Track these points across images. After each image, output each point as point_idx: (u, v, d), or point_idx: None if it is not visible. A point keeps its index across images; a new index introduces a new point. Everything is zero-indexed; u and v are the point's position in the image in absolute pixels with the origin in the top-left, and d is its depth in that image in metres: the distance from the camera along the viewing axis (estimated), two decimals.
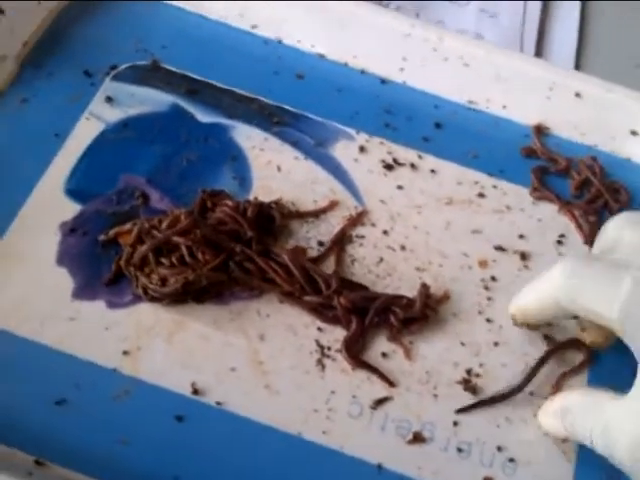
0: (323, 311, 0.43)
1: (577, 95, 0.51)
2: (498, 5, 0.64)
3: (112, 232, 0.44)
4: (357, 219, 0.47)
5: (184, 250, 0.42)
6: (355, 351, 0.42)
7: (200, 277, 0.42)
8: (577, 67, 0.60)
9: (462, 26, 0.63)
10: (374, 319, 0.43)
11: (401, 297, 0.43)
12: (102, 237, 0.44)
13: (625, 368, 0.39)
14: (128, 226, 0.44)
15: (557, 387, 0.42)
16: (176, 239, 0.42)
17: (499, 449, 0.41)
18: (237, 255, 0.43)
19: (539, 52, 0.62)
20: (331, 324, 0.43)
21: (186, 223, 0.43)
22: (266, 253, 0.44)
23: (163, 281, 0.42)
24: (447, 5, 0.64)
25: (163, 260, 0.42)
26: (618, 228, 0.40)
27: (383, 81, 0.53)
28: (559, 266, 0.38)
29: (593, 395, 0.38)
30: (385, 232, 0.47)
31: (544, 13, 0.64)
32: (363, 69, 0.53)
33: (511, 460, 0.41)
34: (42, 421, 0.39)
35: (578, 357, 0.44)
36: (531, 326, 0.43)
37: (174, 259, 0.42)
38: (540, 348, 0.44)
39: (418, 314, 0.43)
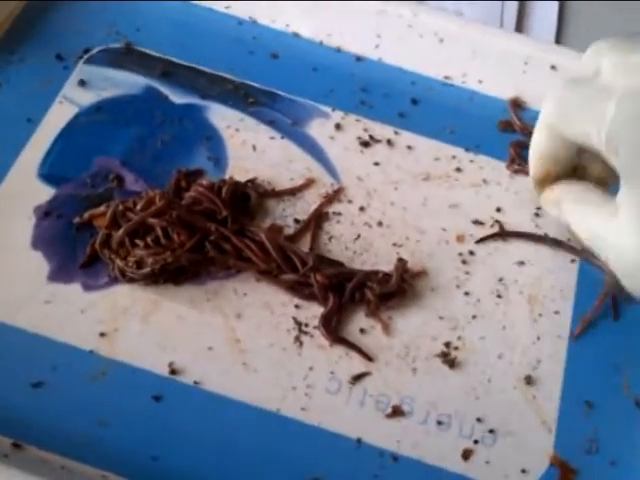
0: (300, 289, 0.43)
1: (552, 67, 0.51)
2: None
3: (86, 215, 0.44)
4: (333, 196, 0.47)
5: (159, 231, 0.42)
6: (333, 327, 0.42)
7: (178, 258, 0.42)
8: (558, 41, 0.60)
9: (441, 4, 0.62)
10: (351, 295, 0.43)
11: (377, 272, 0.43)
12: (77, 220, 0.44)
13: None
14: (102, 208, 0.44)
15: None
16: (151, 220, 0.42)
17: (479, 421, 0.41)
18: (212, 234, 0.43)
19: (519, 27, 0.61)
20: (308, 301, 0.43)
21: (160, 204, 0.42)
22: (242, 232, 0.43)
23: (139, 263, 0.42)
24: None
25: (138, 242, 0.42)
26: (595, 55, 0.39)
27: (358, 58, 0.53)
28: (550, 93, 0.40)
29: (582, 200, 0.41)
30: (362, 209, 0.47)
31: None
32: (338, 47, 0.53)
33: (491, 431, 0.41)
34: (19, 404, 0.39)
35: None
36: (550, 178, 0.43)
37: (149, 240, 0.42)
38: (519, 320, 0.44)
39: (395, 288, 0.43)
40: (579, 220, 0.40)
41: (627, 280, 0.37)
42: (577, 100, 0.38)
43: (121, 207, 0.42)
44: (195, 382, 0.40)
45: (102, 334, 0.41)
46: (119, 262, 0.41)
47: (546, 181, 0.43)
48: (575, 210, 0.41)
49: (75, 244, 0.43)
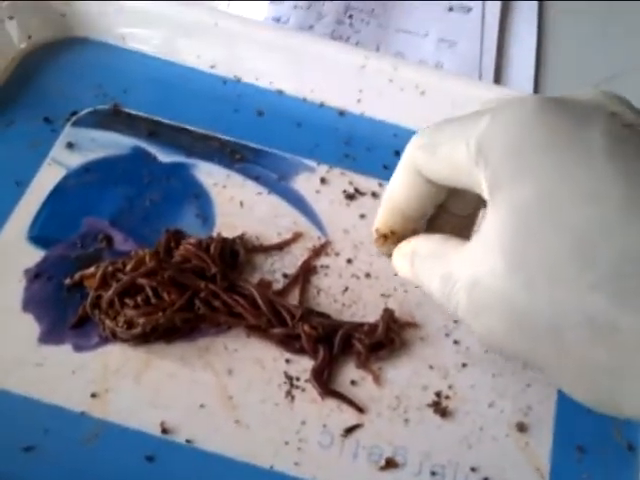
0: (290, 342, 0.43)
1: None
2: (456, 34, 0.65)
3: (77, 275, 0.44)
4: (320, 250, 0.47)
5: (149, 291, 0.42)
6: (324, 380, 0.42)
7: (170, 319, 0.42)
8: (536, 90, 0.61)
9: (422, 56, 0.64)
10: (340, 347, 0.43)
11: (364, 323, 0.44)
12: (67, 281, 0.44)
13: None
14: (93, 269, 0.44)
15: None
16: (141, 281, 0.43)
17: (473, 470, 0.41)
18: (202, 292, 0.43)
19: (498, 78, 0.63)
20: (298, 355, 0.43)
21: (152, 265, 0.43)
22: (231, 288, 0.44)
23: (129, 323, 0.42)
24: (407, 37, 0.65)
25: (127, 301, 0.42)
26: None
27: (341, 113, 0.54)
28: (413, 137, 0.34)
29: (438, 244, 0.33)
30: (349, 261, 0.47)
31: (502, 39, 0.65)
32: (321, 102, 0.54)
33: None
34: (10, 469, 0.39)
35: None
36: (398, 236, 0.36)
37: (139, 300, 0.42)
38: (510, 366, 0.44)
39: (382, 338, 0.43)
40: (431, 271, 0.33)
41: (485, 319, 0.30)
42: (446, 124, 0.33)
43: (111, 268, 0.43)
44: (187, 440, 0.40)
45: (93, 395, 0.41)
46: (109, 322, 0.42)
47: (394, 235, 0.36)
48: (428, 261, 0.33)
49: (66, 305, 0.44)
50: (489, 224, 0.29)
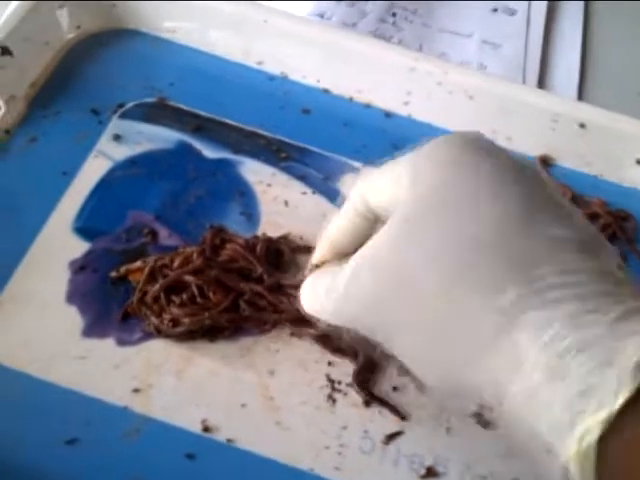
0: (330, 340, 0.43)
1: (581, 126, 0.51)
2: (500, 36, 0.65)
3: (123, 269, 0.44)
4: None
5: (195, 290, 0.42)
6: (367, 384, 0.42)
7: (216, 320, 0.42)
8: (580, 96, 0.61)
9: (465, 58, 0.63)
10: (382, 351, 0.43)
11: None
12: (113, 274, 0.44)
13: None
14: (139, 263, 0.44)
15: None
16: (187, 278, 0.42)
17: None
18: (247, 294, 0.43)
19: (542, 82, 0.62)
20: (338, 354, 0.43)
21: (198, 263, 0.43)
22: (277, 286, 0.44)
23: (174, 321, 0.42)
24: (450, 37, 0.64)
25: (174, 298, 0.42)
26: None
27: (388, 115, 0.54)
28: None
29: (331, 272, 0.36)
30: None
31: (546, 43, 0.65)
32: (368, 103, 0.54)
33: None
34: (53, 460, 0.39)
35: None
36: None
37: (185, 298, 0.42)
38: None
39: None
40: (319, 287, 0.36)
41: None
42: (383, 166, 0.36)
43: (158, 263, 0.43)
44: (228, 440, 0.40)
45: (136, 390, 0.41)
46: (154, 319, 0.42)
47: (323, 265, 0.38)
48: (318, 281, 0.36)
49: (110, 299, 0.44)
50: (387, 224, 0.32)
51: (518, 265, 0.29)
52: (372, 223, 0.36)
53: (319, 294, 0.35)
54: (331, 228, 0.38)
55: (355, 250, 0.36)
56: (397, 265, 0.31)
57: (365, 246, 0.33)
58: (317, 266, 0.38)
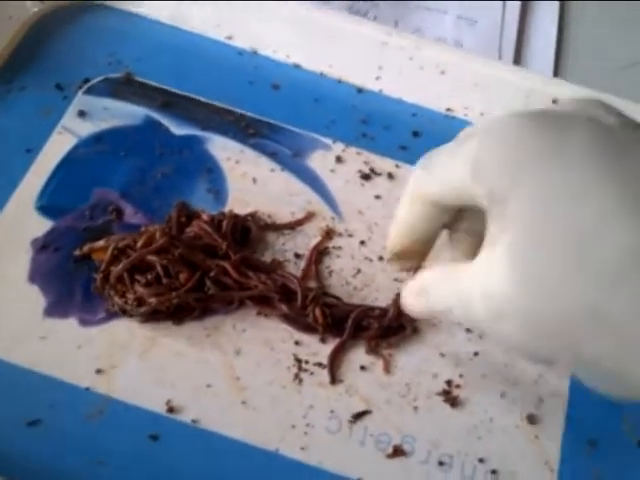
0: (298, 320, 0.42)
1: (554, 101, 0.51)
2: (476, 12, 0.64)
3: (86, 248, 0.43)
4: (333, 231, 0.46)
5: (159, 269, 0.41)
6: (335, 366, 0.42)
7: (183, 299, 0.41)
8: (556, 73, 0.60)
9: (441, 33, 0.62)
10: (350, 332, 0.42)
11: (374, 308, 0.43)
12: (76, 252, 0.43)
13: None
14: (102, 242, 0.43)
15: None
16: (151, 258, 0.42)
17: (481, 461, 0.40)
18: (213, 271, 0.42)
19: (518, 58, 0.61)
20: (306, 332, 0.43)
21: (162, 242, 0.42)
22: (244, 264, 0.43)
23: (139, 300, 0.41)
24: (425, 13, 0.64)
25: (138, 278, 0.41)
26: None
27: (360, 90, 0.53)
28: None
29: (448, 268, 0.35)
30: (362, 242, 0.46)
31: (522, 20, 0.64)
32: (339, 78, 0.53)
33: (493, 472, 0.40)
34: (15, 442, 0.38)
35: None
36: (415, 253, 0.38)
37: (150, 277, 0.41)
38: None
39: (391, 324, 0.42)
40: (446, 296, 0.34)
41: (502, 326, 0.31)
42: (441, 150, 0.35)
43: (121, 244, 0.42)
44: (193, 420, 0.40)
45: (99, 371, 0.40)
46: (117, 299, 0.41)
47: (405, 253, 0.38)
48: (440, 288, 0.35)
49: (72, 278, 0.43)
50: (493, 236, 0.31)
51: None
52: (440, 208, 0.36)
53: (448, 297, 0.34)
54: (400, 215, 0.37)
55: (429, 235, 0.37)
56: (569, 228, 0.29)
57: (491, 239, 0.31)
58: (397, 255, 0.38)
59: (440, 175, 0.34)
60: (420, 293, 0.36)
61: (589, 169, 0.29)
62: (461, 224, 0.38)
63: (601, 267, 0.28)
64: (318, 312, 0.42)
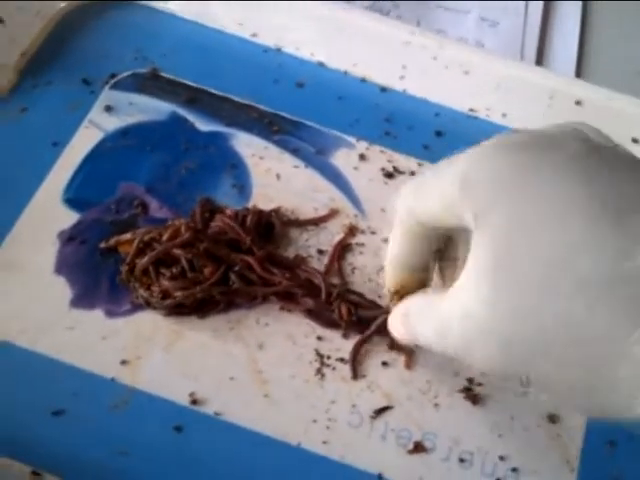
0: (321, 314, 0.43)
1: (577, 103, 0.51)
2: (498, 13, 0.64)
3: (113, 240, 0.44)
4: (356, 228, 0.47)
5: (184, 263, 0.42)
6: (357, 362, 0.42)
7: (208, 293, 0.42)
8: (578, 74, 0.60)
9: (463, 34, 0.62)
10: (375, 329, 0.43)
11: None
12: (102, 245, 0.44)
13: None
14: (128, 235, 0.44)
15: None
16: (176, 251, 0.42)
17: (501, 458, 0.40)
18: (237, 265, 0.42)
19: (540, 60, 0.61)
20: (329, 328, 0.43)
21: (187, 236, 0.42)
22: (268, 259, 0.43)
23: (164, 294, 0.42)
24: (448, 14, 0.64)
25: (163, 271, 0.42)
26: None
27: (383, 89, 0.53)
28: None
29: (429, 295, 0.36)
30: (385, 240, 0.46)
31: (545, 21, 0.64)
32: (363, 77, 0.53)
33: (514, 470, 0.40)
34: (40, 431, 0.39)
35: None
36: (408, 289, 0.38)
37: (175, 271, 0.42)
38: None
39: None
40: (425, 321, 0.35)
41: (480, 347, 0.31)
42: (429, 170, 0.35)
43: (147, 237, 0.42)
44: (216, 413, 0.40)
45: (124, 362, 0.41)
46: (142, 292, 0.41)
47: (404, 289, 0.39)
48: (421, 313, 0.35)
49: (98, 270, 0.43)
50: (473, 254, 0.30)
51: None
52: (427, 232, 0.36)
53: (427, 322, 0.34)
54: (392, 249, 0.38)
55: (422, 263, 0.38)
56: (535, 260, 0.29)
57: (472, 260, 0.31)
58: (396, 292, 0.39)
59: (428, 195, 0.34)
60: (403, 318, 0.37)
61: (568, 191, 0.29)
62: (451, 252, 0.39)
63: (573, 290, 0.28)
64: (344, 309, 0.42)
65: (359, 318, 0.43)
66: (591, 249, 0.28)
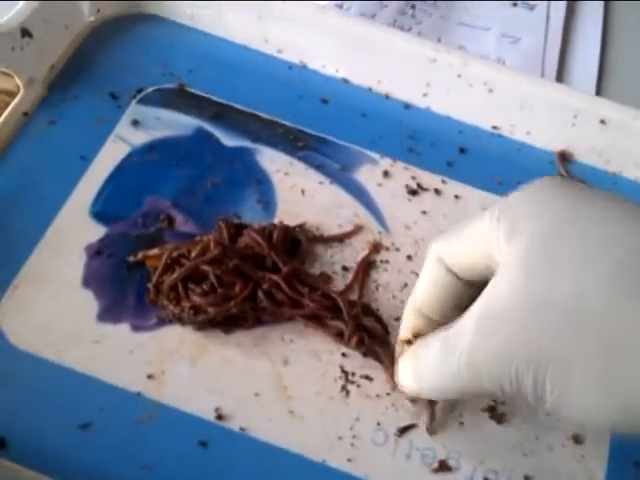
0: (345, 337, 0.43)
1: (602, 122, 0.51)
2: (519, 30, 0.64)
3: (140, 255, 0.44)
4: (380, 245, 0.47)
5: (213, 279, 0.42)
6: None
7: (241, 309, 0.42)
8: (599, 90, 0.60)
9: (483, 51, 0.63)
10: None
11: None
12: (130, 259, 0.44)
13: None
14: (156, 250, 0.44)
15: None
16: (205, 268, 0.42)
17: (526, 478, 0.40)
18: (265, 283, 0.43)
19: (560, 77, 0.62)
20: (354, 349, 0.43)
21: (216, 252, 0.42)
22: (295, 276, 0.43)
23: (196, 309, 0.42)
24: (468, 31, 0.64)
25: (192, 287, 0.42)
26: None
27: (407, 106, 0.53)
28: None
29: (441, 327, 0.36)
30: (409, 257, 0.47)
31: (565, 37, 0.64)
32: (387, 94, 0.53)
33: None
34: (66, 445, 0.39)
35: None
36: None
37: (205, 287, 0.42)
38: None
39: None
40: (426, 367, 0.36)
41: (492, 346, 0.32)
42: (459, 226, 0.36)
43: (175, 253, 0.43)
44: (241, 428, 0.40)
45: (150, 376, 0.41)
46: (172, 308, 0.42)
47: (416, 339, 0.39)
48: (424, 360, 0.36)
49: (125, 284, 0.44)
50: (502, 269, 0.32)
51: None
52: (455, 283, 0.37)
53: (429, 366, 0.36)
54: (417, 295, 0.38)
55: (442, 311, 0.37)
56: (541, 300, 0.30)
57: (482, 299, 0.32)
58: (409, 341, 0.39)
59: (460, 236, 0.36)
60: (408, 362, 0.38)
61: (594, 235, 0.30)
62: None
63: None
64: (355, 340, 0.42)
65: (369, 349, 0.43)
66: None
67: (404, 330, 0.39)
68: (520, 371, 0.31)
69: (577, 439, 0.42)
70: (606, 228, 0.30)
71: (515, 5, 0.67)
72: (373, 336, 0.43)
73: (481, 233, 0.34)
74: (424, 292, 0.38)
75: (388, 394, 0.42)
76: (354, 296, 0.44)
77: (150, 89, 0.51)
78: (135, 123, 0.50)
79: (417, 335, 0.38)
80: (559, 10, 0.66)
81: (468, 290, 0.37)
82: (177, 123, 0.50)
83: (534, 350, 0.30)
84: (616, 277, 0.29)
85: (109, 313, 0.43)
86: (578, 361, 0.29)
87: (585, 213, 0.31)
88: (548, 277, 0.30)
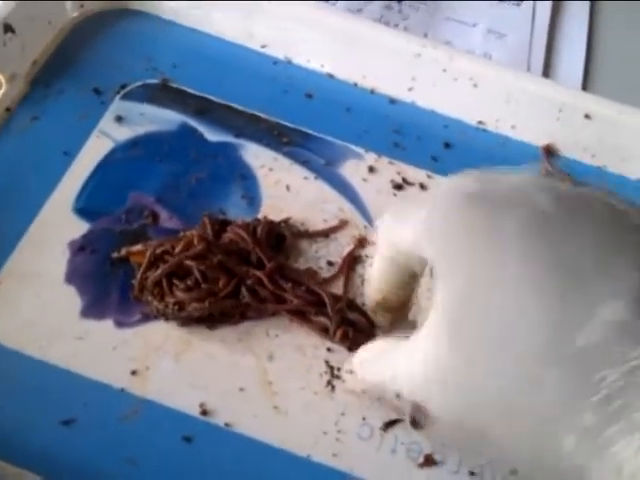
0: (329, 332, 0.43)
1: (587, 116, 0.51)
2: (505, 26, 0.64)
3: (124, 251, 0.44)
4: (366, 240, 0.47)
5: (197, 274, 0.42)
6: None
7: (222, 306, 0.42)
8: (585, 86, 0.60)
9: (470, 46, 0.63)
10: None
11: None
12: (114, 255, 0.44)
13: None
14: (140, 246, 0.44)
15: None
16: (189, 263, 0.42)
17: (512, 472, 0.40)
18: (249, 279, 0.42)
19: (546, 72, 0.62)
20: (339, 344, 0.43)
21: (200, 248, 0.42)
22: (279, 272, 0.43)
23: (180, 305, 0.42)
24: (455, 26, 0.64)
25: (176, 282, 0.42)
26: None
27: (392, 101, 0.53)
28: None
29: (386, 343, 0.37)
30: None
31: (552, 33, 0.64)
32: (372, 89, 0.53)
33: None
34: (50, 441, 0.39)
35: None
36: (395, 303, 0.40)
37: (189, 283, 0.42)
38: None
39: None
40: (377, 367, 0.37)
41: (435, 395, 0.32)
42: (404, 208, 0.36)
43: (159, 250, 0.42)
44: (226, 424, 0.40)
45: (134, 372, 0.41)
46: (157, 304, 0.41)
47: (385, 302, 0.40)
48: (376, 361, 0.37)
49: (108, 280, 0.43)
50: (435, 305, 0.31)
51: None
52: (404, 264, 0.37)
53: (379, 375, 0.36)
54: (372, 271, 0.39)
55: (401, 283, 0.38)
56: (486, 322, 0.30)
57: (433, 311, 0.32)
58: (380, 305, 0.40)
59: (404, 227, 0.35)
60: (356, 367, 0.39)
61: (517, 258, 0.29)
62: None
63: (523, 350, 0.28)
64: (339, 333, 0.42)
65: (354, 343, 0.43)
66: (540, 319, 0.28)
67: (369, 300, 0.41)
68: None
69: None
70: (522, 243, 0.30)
71: (502, 1, 0.67)
72: (358, 330, 0.43)
73: (415, 237, 0.34)
74: (379, 268, 0.39)
75: None
76: (339, 291, 0.44)
77: (134, 85, 0.51)
78: (119, 119, 0.49)
79: (384, 299, 0.40)
80: (545, 6, 0.66)
81: (416, 267, 0.37)
82: (161, 118, 0.50)
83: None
84: None
85: (93, 309, 0.42)
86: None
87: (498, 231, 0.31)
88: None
